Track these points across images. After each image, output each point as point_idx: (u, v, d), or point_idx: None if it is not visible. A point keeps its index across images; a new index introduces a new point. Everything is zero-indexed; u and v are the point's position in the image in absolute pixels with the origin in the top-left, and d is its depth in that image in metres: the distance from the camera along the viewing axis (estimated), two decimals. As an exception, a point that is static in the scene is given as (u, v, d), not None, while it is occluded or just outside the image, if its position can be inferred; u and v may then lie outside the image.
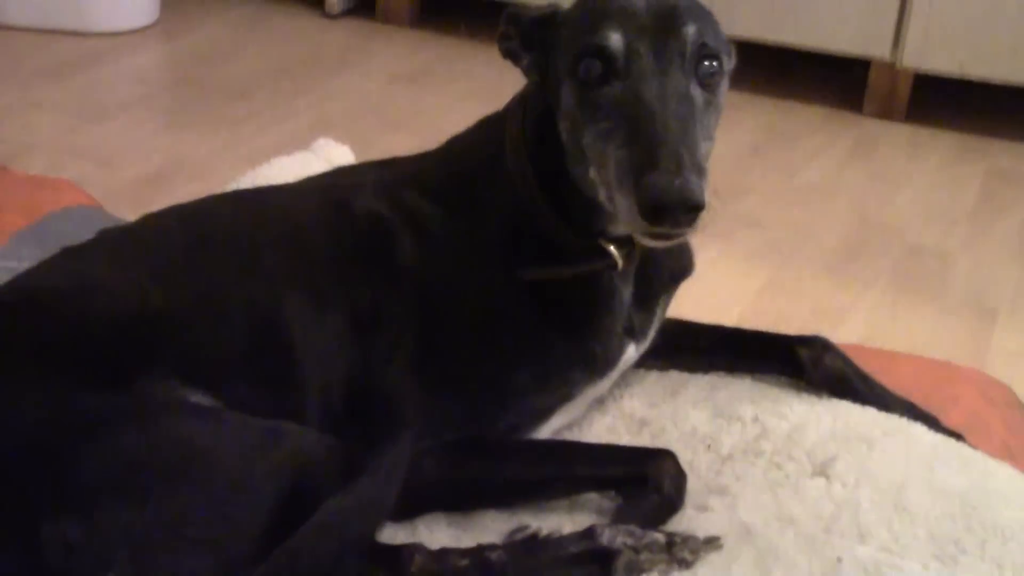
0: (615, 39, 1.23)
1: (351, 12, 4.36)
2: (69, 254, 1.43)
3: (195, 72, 3.79)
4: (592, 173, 1.25)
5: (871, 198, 3.19)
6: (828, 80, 3.87)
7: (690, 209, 1.13)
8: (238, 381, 1.31)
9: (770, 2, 3.66)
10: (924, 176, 3.34)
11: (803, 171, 3.32)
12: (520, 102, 1.42)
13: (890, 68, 3.65)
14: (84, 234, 1.50)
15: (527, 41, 1.36)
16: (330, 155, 2.30)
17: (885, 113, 3.70)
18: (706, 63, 1.26)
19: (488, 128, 1.47)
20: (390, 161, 1.56)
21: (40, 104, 3.40)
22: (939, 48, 3.54)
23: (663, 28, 1.24)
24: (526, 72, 1.38)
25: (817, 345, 1.57)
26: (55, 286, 1.34)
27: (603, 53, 1.23)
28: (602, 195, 1.25)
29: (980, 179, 3.31)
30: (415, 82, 3.76)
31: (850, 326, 2.45)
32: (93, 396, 1.18)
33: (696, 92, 1.24)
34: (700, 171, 1.15)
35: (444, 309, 1.38)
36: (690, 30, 1.24)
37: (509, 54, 1.38)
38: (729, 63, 1.31)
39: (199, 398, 1.27)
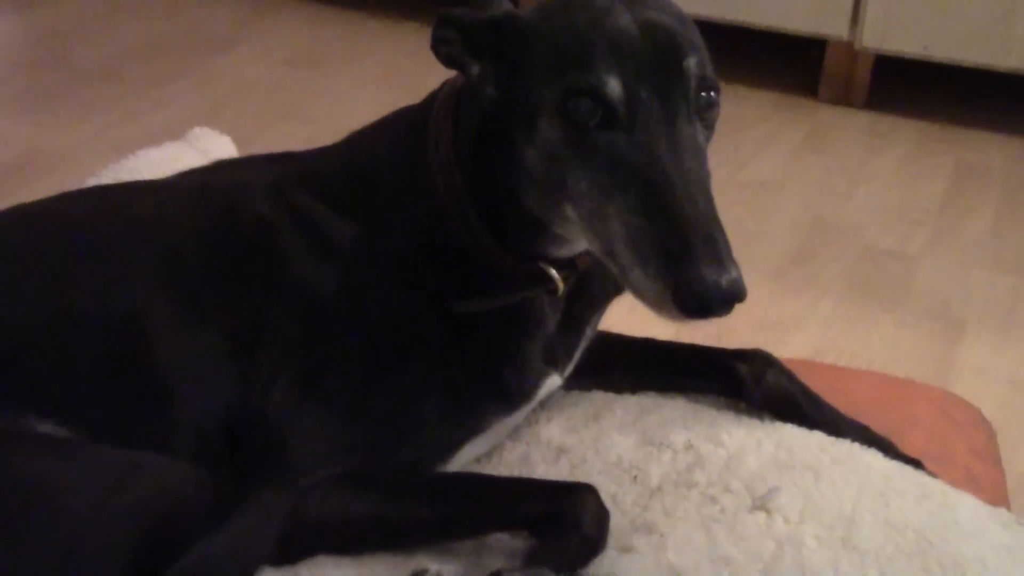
0: (613, 85, 1.21)
1: (239, -18, 4.35)
2: None
3: (54, 51, 3.75)
4: (571, 212, 1.25)
5: (826, 195, 3.23)
6: (780, 62, 3.92)
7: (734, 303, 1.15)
8: (95, 409, 1.30)
9: (714, -25, 3.69)
10: (885, 170, 3.39)
11: (750, 164, 3.36)
12: (448, 103, 1.39)
13: (848, 49, 3.71)
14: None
15: (473, 48, 1.32)
16: (208, 147, 2.28)
17: (842, 99, 3.75)
18: (703, 94, 1.26)
19: (402, 125, 1.45)
20: (281, 156, 1.55)
21: None
22: (901, 27, 3.59)
23: (664, 65, 1.23)
24: (476, 84, 1.33)
25: (758, 360, 1.58)
26: None
27: (599, 96, 1.21)
28: (595, 247, 1.25)
29: (947, 173, 3.37)
30: (311, 64, 3.75)
31: (800, 339, 2.48)
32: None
33: (700, 136, 1.25)
34: (731, 250, 1.18)
35: (338, 329, 1.37)
36: (691, 64, 1.24)
37: (451, 61, 1.33)
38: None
39: (48, 428, 1.26)
